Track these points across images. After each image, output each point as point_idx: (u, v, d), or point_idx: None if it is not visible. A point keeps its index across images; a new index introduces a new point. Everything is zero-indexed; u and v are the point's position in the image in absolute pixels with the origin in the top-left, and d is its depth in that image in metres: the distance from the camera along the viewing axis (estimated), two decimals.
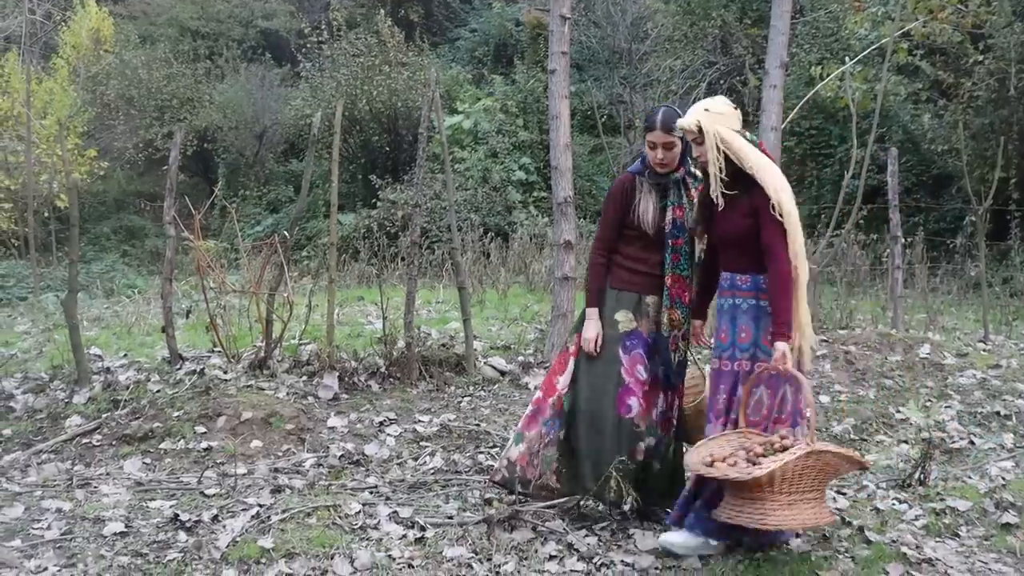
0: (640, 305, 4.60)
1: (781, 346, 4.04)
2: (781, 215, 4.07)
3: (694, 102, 16.86)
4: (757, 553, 4.31)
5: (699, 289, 4.65)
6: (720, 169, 4.16)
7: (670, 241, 4.53)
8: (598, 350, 4.57)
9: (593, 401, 4.58)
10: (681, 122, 4.27)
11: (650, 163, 4.60)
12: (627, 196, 4.61)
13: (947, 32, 12.65)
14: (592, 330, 4.58)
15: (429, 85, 7.62)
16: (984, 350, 8.03)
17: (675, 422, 4.71)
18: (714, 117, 4.20)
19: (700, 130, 4.19)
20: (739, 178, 4.19)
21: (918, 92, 16.61)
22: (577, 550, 4.36)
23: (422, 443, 6.08)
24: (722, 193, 4.16)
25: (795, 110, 10.12)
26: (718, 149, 4.16)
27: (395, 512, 4.79)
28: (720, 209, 4.23)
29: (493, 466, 5.10)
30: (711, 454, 4.07)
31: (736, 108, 4.33)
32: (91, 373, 7.00)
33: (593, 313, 4.62)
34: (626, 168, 4.85)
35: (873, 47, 12.22)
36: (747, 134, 4.28)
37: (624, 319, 4.59)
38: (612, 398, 4.53)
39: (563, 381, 4.68)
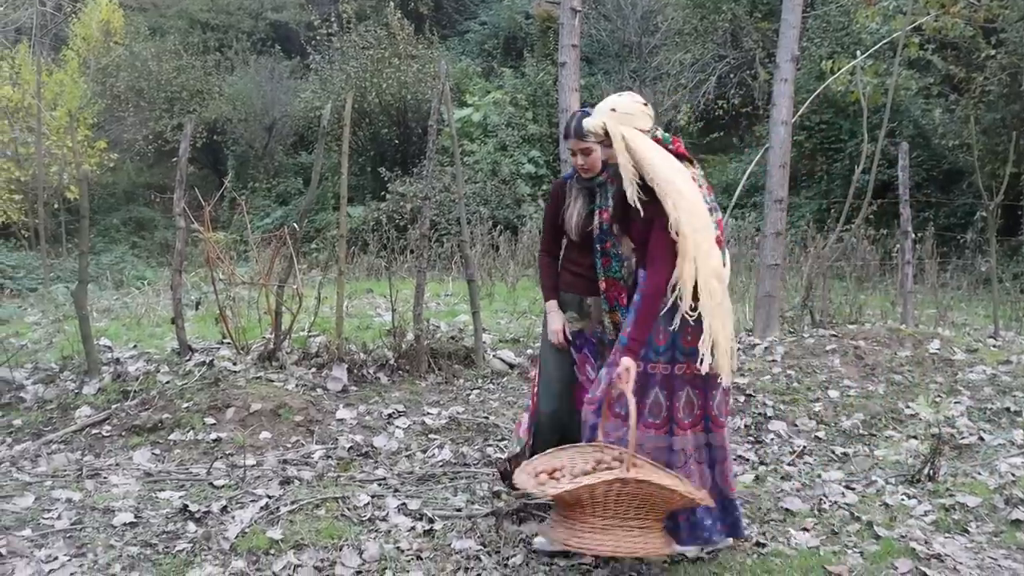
0: (582, 306, 4.59)
1: (625, 362, 3.88)
2: (677, 233, 3.83)
3: (704, 96, 16.77)
4: (765, 547, 4.32)
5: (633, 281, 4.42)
6: (633, 173, 3.95)
7: (598, 245, 4.48)
8: (568, 338, 4.56)
9: (553, 401, 4.58)
10: (587, 123, 4.13)
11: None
12: (557, 201, 4.63)
13: (959, 26, 12.63)
14: (557, 321, 4.59)
15: (439, 78, 7.61)
16: (994, 346, 8.01)
17: None
18: (621, 117, 4.02)
19: (607, 132, 4.04)
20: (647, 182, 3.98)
21: (929, 87, 16.60)
22: None
23: (431, 435, 6.09)
24: (637, 197, 3.96)
25: (805, 104, 10.11)
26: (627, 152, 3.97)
27: (404, 504, 4.80)
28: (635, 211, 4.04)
29: (501, 458, 5.11)
30: (556, 465, 3.96)
31: (646, 104, 4.12)
32: (101, 364, 7.02)
33: (552, 306, 4.63)
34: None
35: (884, 41, 12.21)
36: (659, 132, 4.10)
37: (572, 320, 4.60)
38: (571, 396, 4.56)
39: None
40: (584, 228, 4.51)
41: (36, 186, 16.26)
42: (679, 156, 4.09)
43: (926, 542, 4.34)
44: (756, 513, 4.73)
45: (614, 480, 3.61)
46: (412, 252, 13.58)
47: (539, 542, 4.26)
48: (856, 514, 4.72)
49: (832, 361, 7.11)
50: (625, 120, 4.02)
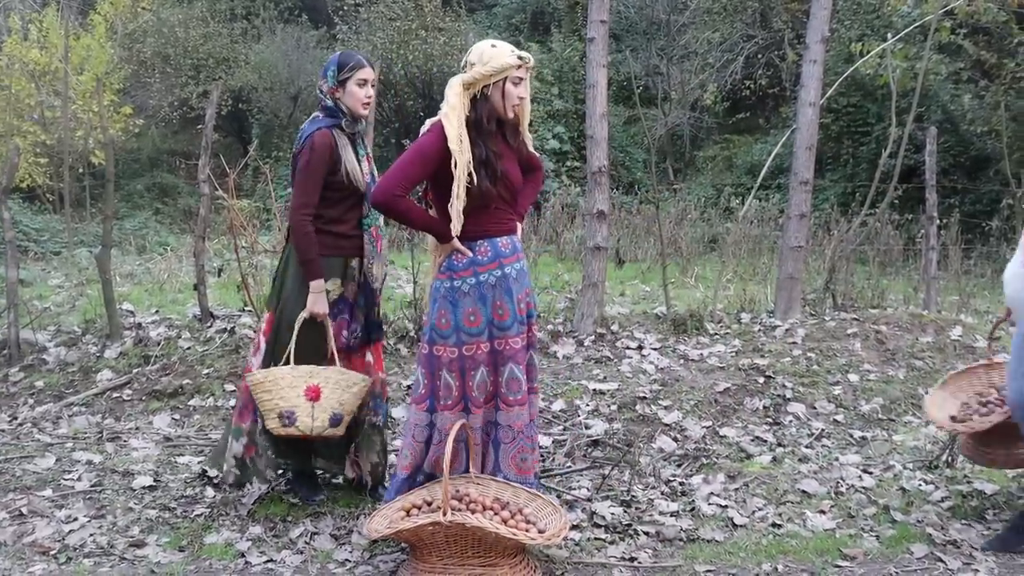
0: (347, 269, 4.35)
1: None
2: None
3: (731, 76, 16.66)
4: (781, 528, 4.32)
5: None
6: None
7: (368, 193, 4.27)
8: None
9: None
10: None
11: (349, 108, 4.39)
12: (333, 153, 4.28)
13: (992, 11, 12.47)
14: (324, 305, 4.23)
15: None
16: None
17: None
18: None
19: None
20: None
21: (959, 72, 16.41)
22: (603, 517, 4.37)
23: None
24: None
25: (834, 87, 10.00)
26: None
27: None
28: None
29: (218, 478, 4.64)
30: (427, 499, 3.82)
31: None
32: (123, 328, 7.06)
33: (319, 286, 4.21)
34: (328, 127, 4.41)
35: (915, 25, 12.04)
36: None
37: (333, 287, 4.31)
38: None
39: (257, 363, 4.39)
40: (363, 178, 4.36)
41: (62, 150, 16.31)
42: None
43: (942, 528, 4.33)
44: (773, 494, 4.73)
45: (429, 523, 3.46)
46: None
47: None
48: (873, 498, 4.72)
49: (853, 345, 7.08)
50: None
